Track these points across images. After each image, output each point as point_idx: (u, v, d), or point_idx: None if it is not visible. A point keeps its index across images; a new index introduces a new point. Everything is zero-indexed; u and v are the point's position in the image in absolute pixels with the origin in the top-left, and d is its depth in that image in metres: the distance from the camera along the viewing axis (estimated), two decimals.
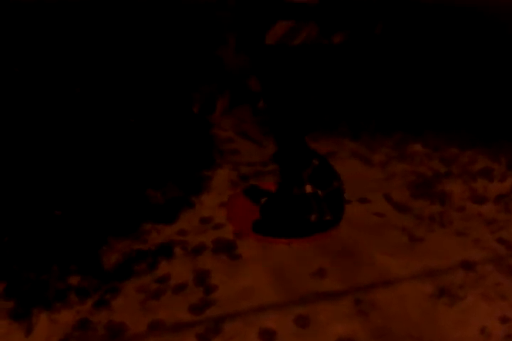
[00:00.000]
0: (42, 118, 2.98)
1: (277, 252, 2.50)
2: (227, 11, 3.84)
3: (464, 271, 2.36)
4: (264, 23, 4.07)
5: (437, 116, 3.81)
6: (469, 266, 2.40)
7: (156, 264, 2.38)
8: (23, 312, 2.10)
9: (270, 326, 2.06)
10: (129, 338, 2.02)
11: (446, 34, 4.52)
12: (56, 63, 3.41)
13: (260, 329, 2.04)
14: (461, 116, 3.74)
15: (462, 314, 2.12)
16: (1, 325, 2.05)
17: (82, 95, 3.06)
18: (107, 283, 2.25)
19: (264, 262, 2.44)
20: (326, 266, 2.41)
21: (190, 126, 3.60)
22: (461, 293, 2.23)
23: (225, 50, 3.89)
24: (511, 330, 2.06)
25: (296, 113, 2.82)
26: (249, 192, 2.56)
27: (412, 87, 4.10)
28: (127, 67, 3.62)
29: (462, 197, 2.95)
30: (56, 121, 2.96)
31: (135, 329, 2.06)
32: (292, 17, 4.04)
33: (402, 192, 3.03)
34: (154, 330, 2.06)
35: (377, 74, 4.21)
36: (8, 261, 2.28)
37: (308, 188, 2.30)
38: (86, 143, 2.92)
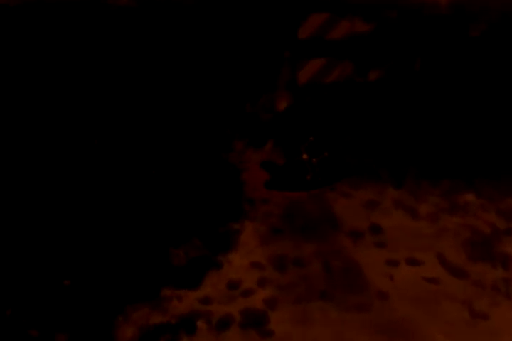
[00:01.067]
0: (51, 172, 2.75)
1: (314, 328, 2.16)
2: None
3: None
4: (297, 59, 3.91)
5: (490, 161, 3.44)
6: None
7: None
8: None
9: None
10: None
11: (493, 70, 4.18)
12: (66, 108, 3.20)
13: None
14: None
15: None
16: None
17: (99, 145, 2.83)
18: None
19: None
20: None
21: (217, 172, 3.33)
22: None
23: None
24: None
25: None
26: (264, 165, 3.34)
27: (461, 128, 3.75)
28: (145, 105, 3.40)
29: None
30: (68, 175, 2.73)
31: None
32: (326, 54, 3.84)
33: (457, 252, 2.66)
34: None
35: (420, 113, 3.89)
36: (8, 338, 2.00)
37: (305, 156, 3.12)
38: (100, 196, 2.67)
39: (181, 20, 3.61)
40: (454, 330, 2.12)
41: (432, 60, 3.93)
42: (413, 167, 3.54)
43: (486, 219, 2.93)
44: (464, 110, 3.84)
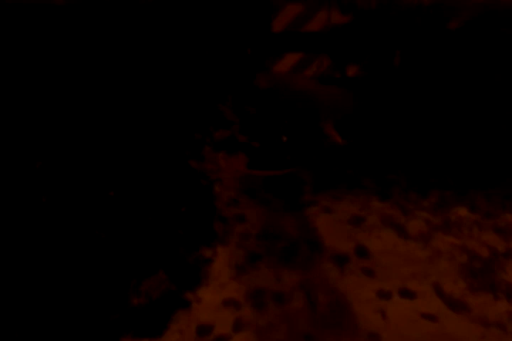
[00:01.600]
0: None
1: None
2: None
3: None
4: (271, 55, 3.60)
5: (484, 168, 3.18)
6: None
7: None
8: None
9: None
10: None
11: (482, 65, 3.87)
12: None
13: None
14: None
15: None
16: None
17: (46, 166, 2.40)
18: None
19: None
20: None
21: (185, 184, 2.97)
22: None
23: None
24: None
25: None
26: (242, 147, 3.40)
27: (449, 130, 3.47)
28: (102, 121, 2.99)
29: None
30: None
31: None
32: (302, 48, 3.47)
33: (454, 280, 2.38)
34: None
35: (403, 114, 3.59)
36: None
37: (284, 138, 3.33)
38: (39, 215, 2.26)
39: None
40: None
41: (412, 55, 3.62)
42: (400, 175, 3.26)
43: (483, 238, 2.67)
44: (453, 110, 3.56)
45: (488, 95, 3.52)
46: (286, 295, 2.29)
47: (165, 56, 3.45)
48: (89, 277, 2.18)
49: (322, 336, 2.07)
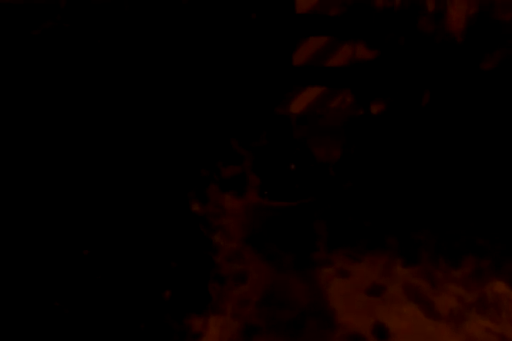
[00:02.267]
0: None
1: None
2: None
3: None
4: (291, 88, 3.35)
5: None
6: None
7: None
8: None
9: None
10: None
11: None
12: None
13: None
14: None
15: None
16: None
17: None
18: None
19: None
20: None
21: (179, 234, 2.60)
22: None
23: None
24: None
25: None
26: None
27: (482, 182, 3.07)
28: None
29: None
30: None
31: None
32: (323, 82, 3.23)
33: None
34: None
35: (431, 159, 3.22)
36: None
37: (292, 166, 3.17)
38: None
39: None
40: None
41: (443, 95, 3.28)
42: (427, 235, 2.86)
43: None
44: (489, 160, 3.17)
45: None
46: None
47: (173, 83, 3.16)
48: None
49: None
